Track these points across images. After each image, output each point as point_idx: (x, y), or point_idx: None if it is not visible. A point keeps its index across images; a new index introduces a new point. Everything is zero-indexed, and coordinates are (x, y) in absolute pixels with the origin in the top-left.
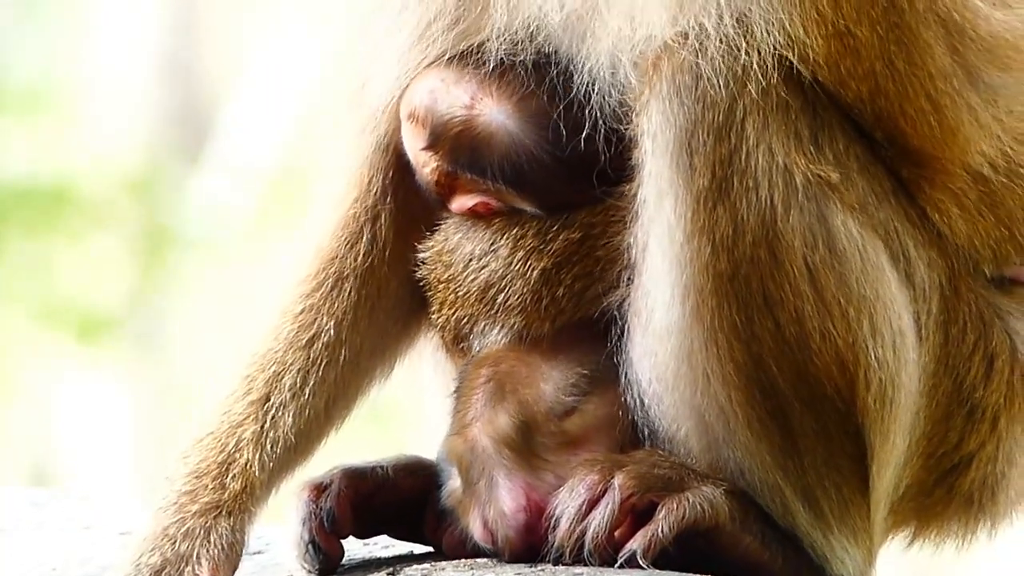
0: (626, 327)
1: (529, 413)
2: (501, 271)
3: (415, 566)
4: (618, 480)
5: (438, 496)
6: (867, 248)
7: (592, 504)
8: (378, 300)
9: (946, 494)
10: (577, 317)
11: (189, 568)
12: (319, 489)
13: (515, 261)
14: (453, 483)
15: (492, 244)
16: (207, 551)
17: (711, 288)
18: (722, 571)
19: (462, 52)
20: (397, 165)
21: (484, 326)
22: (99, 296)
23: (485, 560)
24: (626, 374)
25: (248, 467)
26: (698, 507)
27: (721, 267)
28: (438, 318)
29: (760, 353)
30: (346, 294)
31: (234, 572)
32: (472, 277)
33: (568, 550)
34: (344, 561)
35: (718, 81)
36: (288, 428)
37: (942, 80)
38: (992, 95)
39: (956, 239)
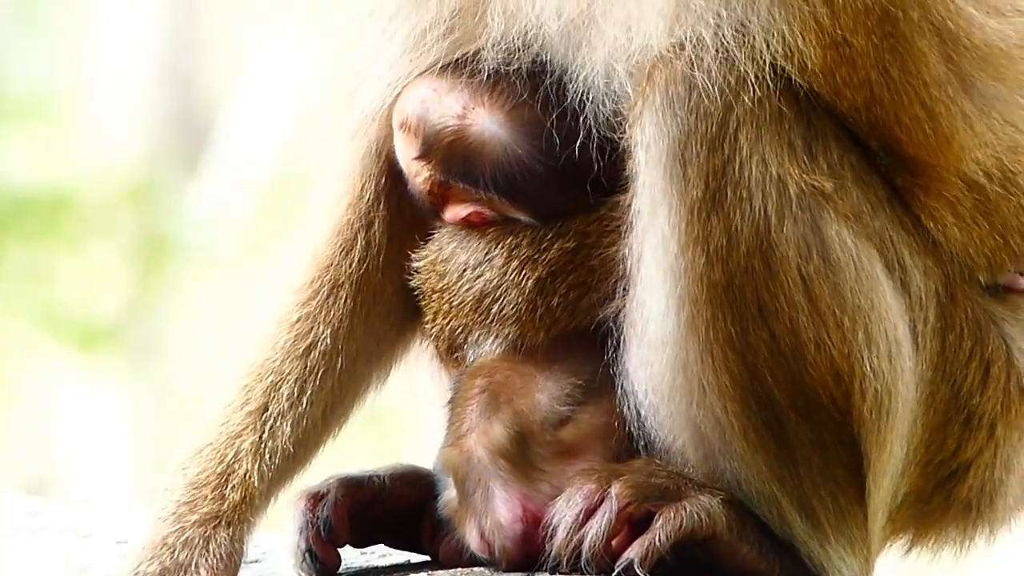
0: (621, 338)
1: (524, 423)
2: (496, 281)
3: (412, 575)
4: (615, 489)
5: (435, 505)
6: (862, 258)
7: (589, 513)
8: (373, 307)
9: (944, 501)
10: (572, 327)
11: None
12: (316, 498)
13: (510, 271)
14: (450, 493)
15: (486, 254)
16: (206, 560)
17: (706, 299)
18: None
19: (456, 60)
20: (390, 171)
21: (479, 336)
22: (98, 303)
23: (482, 569)
24: (622, 385)
25: (247, 478)
26: (695, 516)
27: (715, 278)
28: (432, 328)
29: (755, 364)
30: (342, 301)
31: None
32: (467, 287)
33: (565, 559)
34: (341, 570)
35: (712, 92)
36: (286, 438)
37: (937, 88)
38: (986, 103)
39: (951, 247)
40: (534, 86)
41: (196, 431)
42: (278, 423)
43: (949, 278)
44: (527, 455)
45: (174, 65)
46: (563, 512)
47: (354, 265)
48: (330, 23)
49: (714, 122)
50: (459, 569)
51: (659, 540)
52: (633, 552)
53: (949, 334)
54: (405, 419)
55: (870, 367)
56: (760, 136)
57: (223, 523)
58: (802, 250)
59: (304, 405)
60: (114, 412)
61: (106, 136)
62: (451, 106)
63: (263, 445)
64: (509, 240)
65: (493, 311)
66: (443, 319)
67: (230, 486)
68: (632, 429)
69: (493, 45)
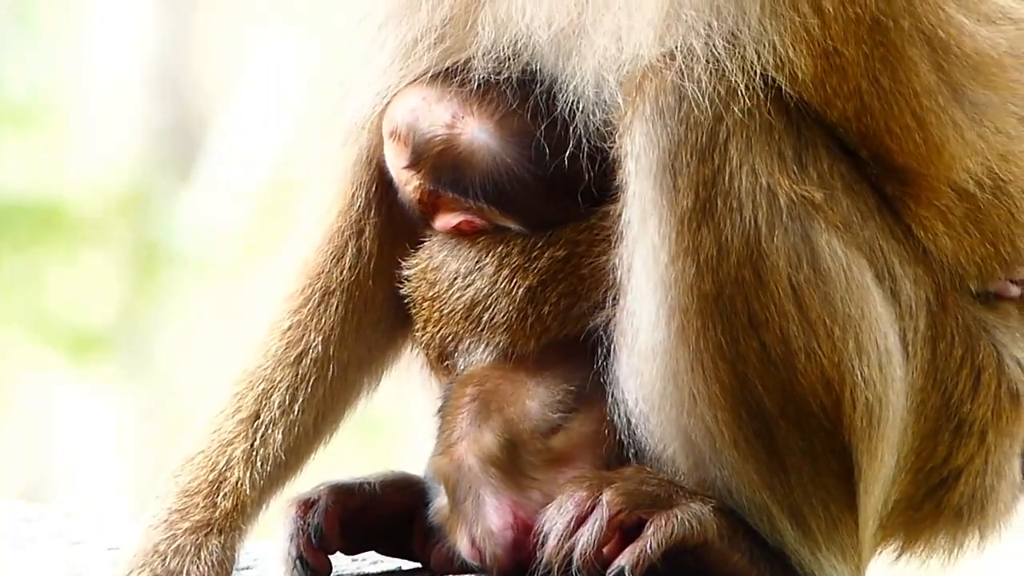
0: (612, 346)
1: (515, 431)
2: (486, 289)
3: None
4: (606, 497)
5: (426, 512)
6: (852, 267)
7: (580, 521)
8: (365, 314)
9: (935, 508)
10: (562, 335)
11: None
12: (306, 505)
13: (500, 279)
14: (441, 500)
15: (477, 262)
16: (197, 568)
17: (696, 309)
18: None
19: (446, 69)
20: (381, 179)
21: (469, 344)
22: (91, 311)
23: None
24: (612, 393)
25: (239, 486)
26: (687, 524)
27: (706, 288)
28: (423, 336)
29: (746, 373)
30: (333, 309)
31: None
32: (457, 295)
33: (556, 567)
34: None
35: (702, 102)
36: (278, 445)
37: (927, 97)
38: (977, 112)
39: (942, 255)
40: (524, 95)
41: (188, 439)
42: (270, 431)
43: (940, 286)
44: (518, 463)
45: (166, 73)
46: (554, 519)
47: (345, 273)
48: (322, 32)
49: (704, 132)
50: None
51: (650, 547)
52: (624, 559)
53: (940, 342)
54: (396, 426)
55: (860, 376)
56: (750, 146)
57: (215, 531)
58: (792, 260)
59: (296, 413)
60: (107, 419)
61: (99, 144)
62: (441, 115)
63: (255, 453)
64: (499, 249)
65: (484, 319)
66: (434, 327)
67: (222, 494)
68: (623, 437)
69: (483, 54)
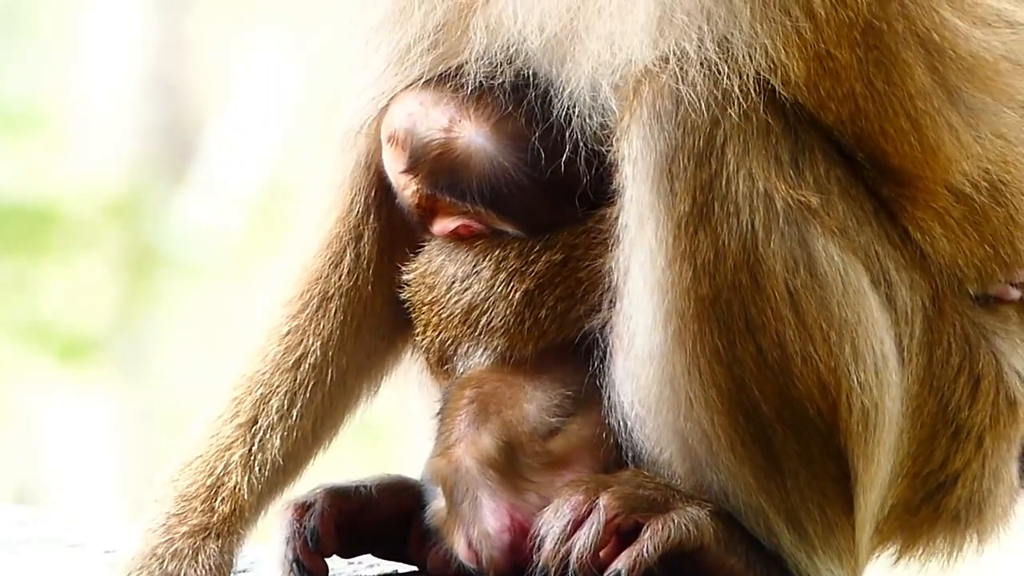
0: (609, 350)
1: (513, 434)
2: (484, 293)
3: None
4: (603, 500)
5: (422, 515)
6: (848, 272)
7: (577, 524)
8: (363, 319)
9: (932, 512)
10: (560, 338)
11: None
12: (303, 508)
13: (498, 283)
14: (437, 503)
15: (475, 266)
16: (195, 572)
17: (693, 313)
18: None
19: (441, 74)
20: (379, 184)
21: (468, 348)
22: (85, 315)
23: None
24: (609, 396)
25: (237, 490)
26: (683, 528)
27: (702, 292)
28: (422, 340)
29: (742, 377)
30: (331, 314)
31: None
32: (455, 299)
33: (553, 570)
34: None
35: (699, 105)
36: (276, 450)
37: (922, 100)
38: (973, 115)
39: (939, 258)
40: (519, 99)
41: (185, 443)
42: (268, 436)
43: (937, 291)
44: (515, 465)
45: (161, 77)
46: (551, 523)
47: (344, 277)
48: (317, 36)
49: (701, 136)
50: None
51: (647, 551)
52: (621, 563)
53: (936, 349)
54: (394, 430)
55: (856, 381)
56: (747, 150)
57: (212, 535)
58: (789, 265)
59: (294, 418)
60: (101, 423)
61: (92, 147)
62: (437, 119)
63: (253, 458)
64: (497, 252)
65: (481, 323)
66: (433, 331)
67: (220, 498)
68: (620, 441)
69: (477, 59)
